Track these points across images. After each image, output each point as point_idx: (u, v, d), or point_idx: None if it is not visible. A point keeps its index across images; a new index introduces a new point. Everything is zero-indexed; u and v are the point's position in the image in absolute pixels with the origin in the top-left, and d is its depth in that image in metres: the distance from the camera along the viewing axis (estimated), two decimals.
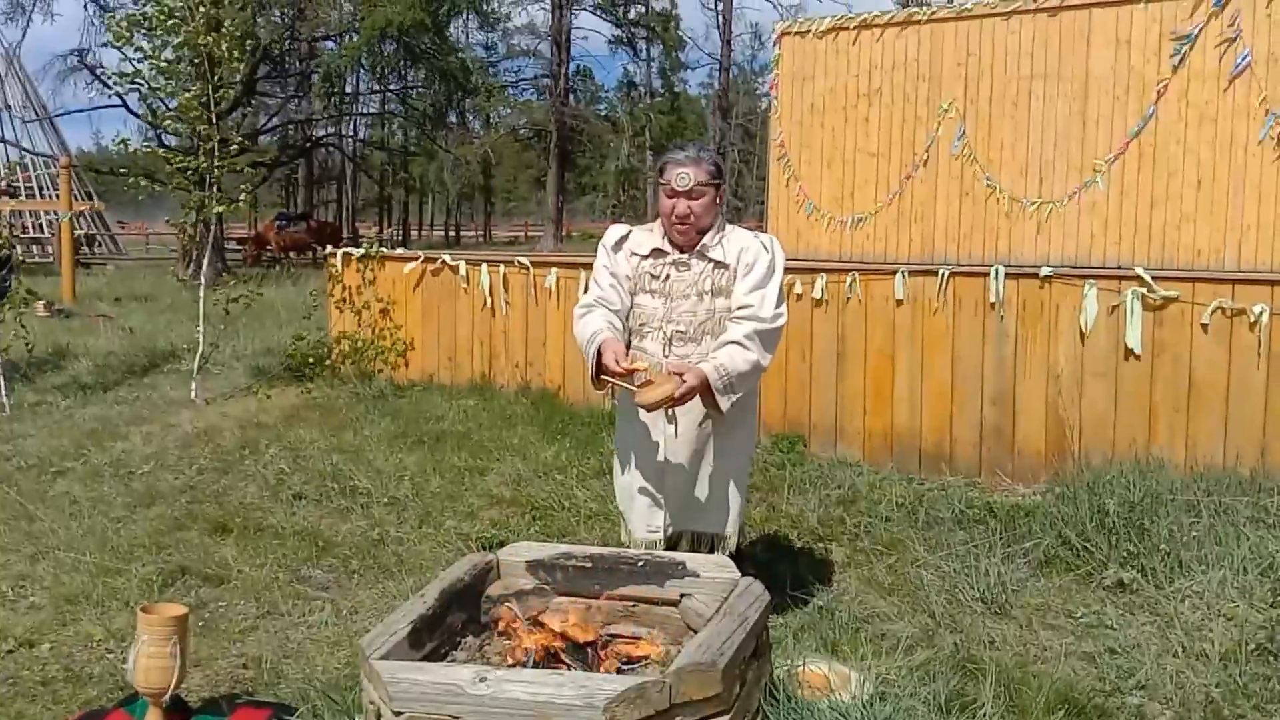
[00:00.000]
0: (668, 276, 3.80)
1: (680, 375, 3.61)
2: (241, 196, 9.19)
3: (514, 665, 2.87)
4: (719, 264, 3.79)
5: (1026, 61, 9.47)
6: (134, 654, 3.36)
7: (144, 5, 8.75)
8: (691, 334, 3.78)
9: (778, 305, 3.79)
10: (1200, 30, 8.64)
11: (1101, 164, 9.07)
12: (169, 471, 6.44)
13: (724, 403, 3.69)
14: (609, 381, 3.70)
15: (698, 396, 3.68)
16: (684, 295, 3.78)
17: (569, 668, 2.88)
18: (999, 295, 6.24)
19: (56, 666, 3.88)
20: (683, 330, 3.78)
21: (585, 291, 4.08)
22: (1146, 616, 4.20)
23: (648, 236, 3.89)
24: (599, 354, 3.66)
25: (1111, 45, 9.06)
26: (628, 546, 3.98)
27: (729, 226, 3.90)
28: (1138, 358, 5.93)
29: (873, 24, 10.33)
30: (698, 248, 3.80)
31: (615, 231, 3.97)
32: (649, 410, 3.70)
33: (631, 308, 3.89)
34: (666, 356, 3.78)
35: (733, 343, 3.71)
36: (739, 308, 3.76)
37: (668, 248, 3.83)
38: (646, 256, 3.84)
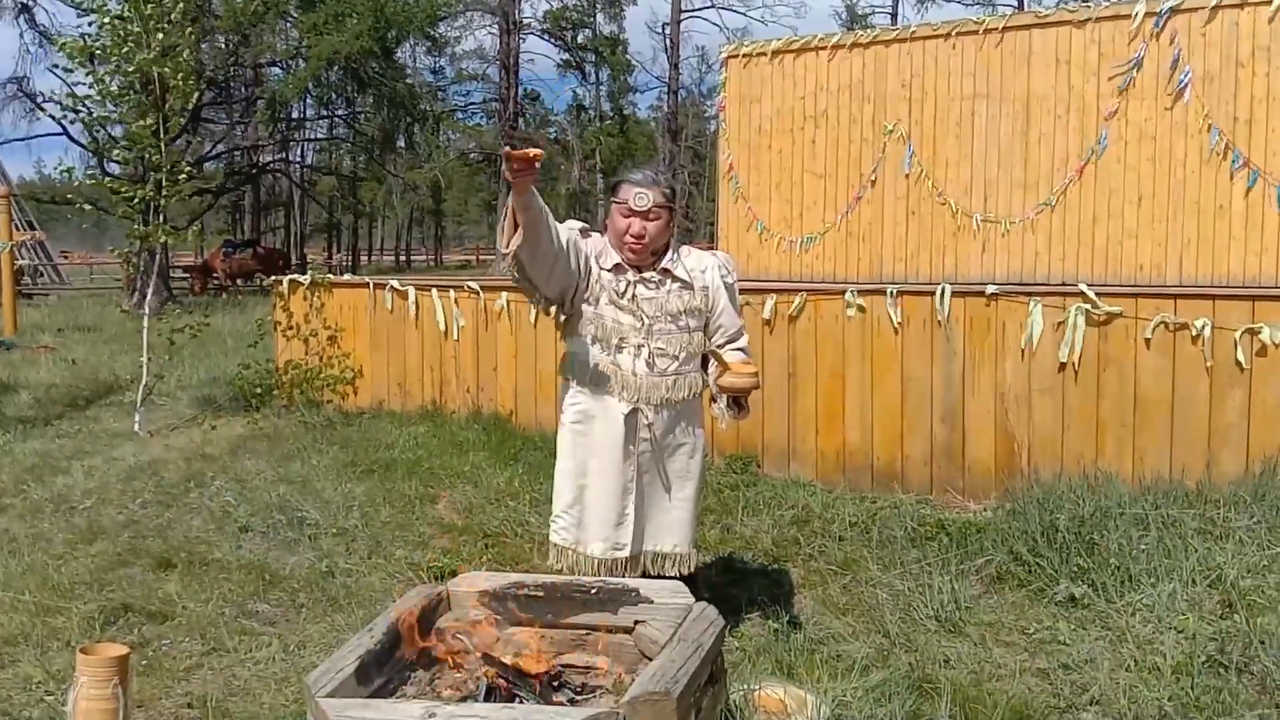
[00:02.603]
0: (634, 295, 3.76)
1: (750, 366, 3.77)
2: (191, 229, 9.09)
3: (464, 699, 2.82)
4: (684, 283, 3.80)
5: (969, 82, 9.60)
6: (74, 696, 3.26)
7: (100, 35, 8.60)
8: (673, 352, 3.79)
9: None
10: (1143, 54, 8.79)
11: (1056, 190, 9.19)
12: (111, 506, 6.30)
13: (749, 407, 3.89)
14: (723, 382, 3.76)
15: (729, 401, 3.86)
16: (657, 316, 3.76)
17: (521, 700, 2.83)
18: (945, 313, 6.29)
19: None
20: (663, 348, 3.78)
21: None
22: (1098, 631, 4.23)
23: (606, 248, 3.83)
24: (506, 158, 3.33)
25: (1052, 66, 9.22)
26: (553, 566, 3.94)
27: (678, 243, 3.91)
28: (1084, 373, 5.99)
29: (817, 47, 10.43)
30: (660, 267, 3.79)
31: (578, 224, 3.85)
32: (730, 393, 3.80)
33: (584, 315, 3.78)
34: (650, 371, 3.76)
35: (742, 350, 3.88)
36: (731, 333, 3.88)
37: (625, 266, 3.79)
38: (608, 270, 3.78)
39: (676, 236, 3.91)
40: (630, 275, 3.77)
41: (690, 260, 3.86)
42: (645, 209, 3.66)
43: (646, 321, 3.76)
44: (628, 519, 3.84)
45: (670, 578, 3.76)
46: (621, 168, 4.34)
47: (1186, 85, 8.59)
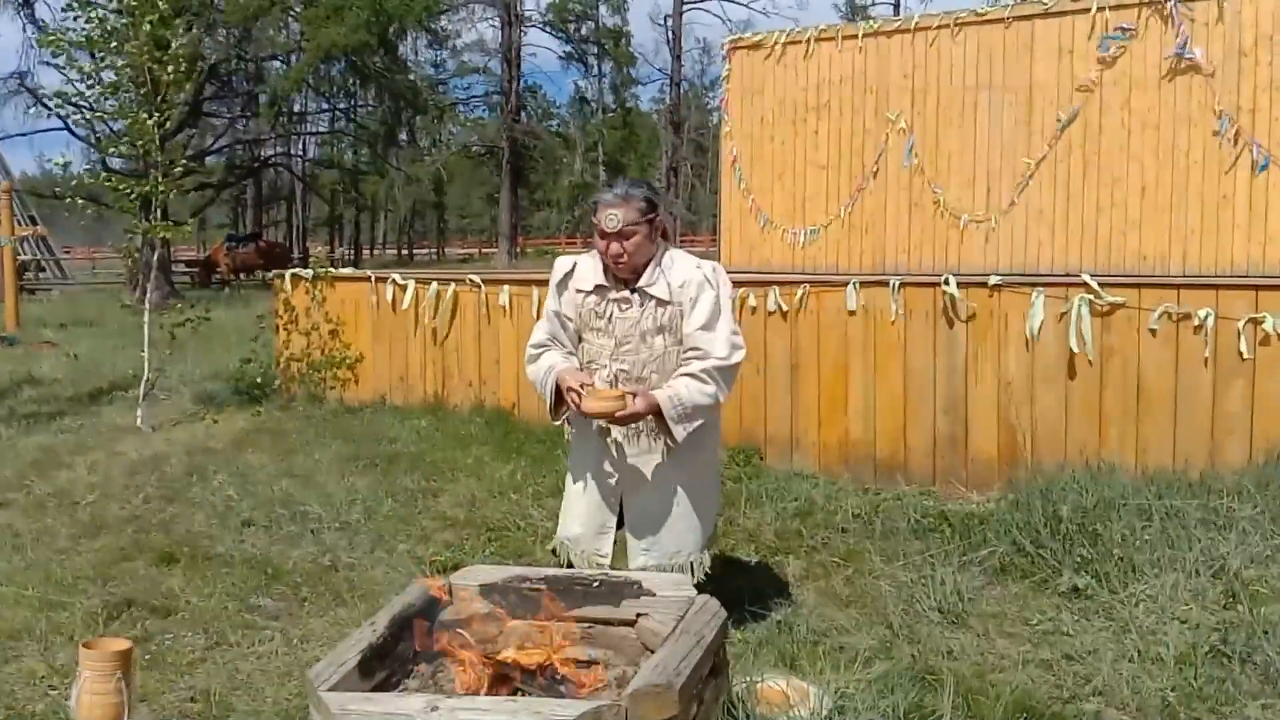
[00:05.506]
0: (611, 315, 3.80)
1: (631, 395, 3.66)
2: (191, 223, 9.09)
3: (467, 693, 2.82)
4: (661, 301, 3.76)
5: (971, 72, 9.58)
6: (77, 691, 3.26)
7: (91, 28, 8.56)
8: (637, 373, 3.78)
9: (732, 340, 3.77)
10: (1139, 30, 8.75)
11: (1030, 162, 9.18)
12: (114, 501, 6.30)
13: (678, 431, 3.71)
14: (568, 404, 3.75)
15: (653, 424, 3.76)
16: (628, 336, 3.78)
17: (523, 693, 2.83)
18: (950, 304, 6.27)
19: None
20: (627, 370, 3.80)
21: (536, 309, 4.10)
22: (1101, 622, 4.22)
23: (592, 268, 3.86)
24: (558, 383, 3.75)
25: (1054, 55, 9.18)
26: (562, 560, 4.02)
27: (671, 254, 3.86)
28: (1088, 364, 5.98)
29: (820, 38, 10.40)
30: (638, 286, 3.78)
31: (561, 267, 3.97)
32: (587, 417, 3.76)
33: (581, 343, 3.90)
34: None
35: (689, 375, 3.72)
36: (690, 349, 3.75)
37: (609, 282, 3.81)
38: (590, 293, 3.83)
39: (662, 247, 3.84)
40: (612, 294, 3.80)
41: (674, 274, 3.79)
42: (616, 229, 3.68)
43: (616, 342, 3.79)
44: (609, 531, 3.93)
45: None
46: (602, 185, 4.34)
47: (1190, 72, 8.55)
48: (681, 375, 3.73)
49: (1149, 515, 4.95)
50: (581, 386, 3.68)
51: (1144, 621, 4.14)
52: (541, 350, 3.91)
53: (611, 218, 3.68)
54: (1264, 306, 5.65)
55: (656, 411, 3.69)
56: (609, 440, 3.86)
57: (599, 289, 3.82)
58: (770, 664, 3.78)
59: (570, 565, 3.95)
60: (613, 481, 3.90)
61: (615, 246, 3.71)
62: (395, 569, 5.09)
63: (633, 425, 3.78)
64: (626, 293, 3.79)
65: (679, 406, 3.68)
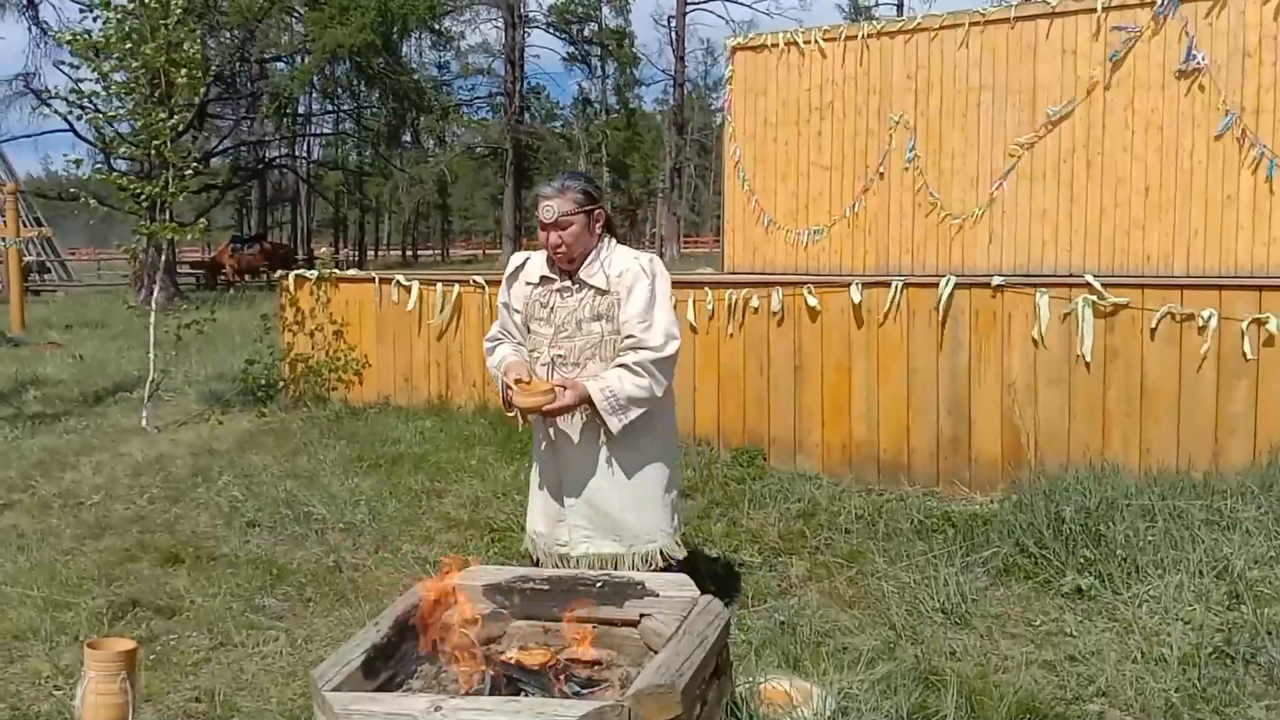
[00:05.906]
0: (553, 305, 3.88)
1: (561, 388, 3.71)
2: (197, 224, 9.12)
3: (470, 693, 2.83)
4: (600, 290, 3.82)
5: (975, 73, 9.57)
6: (82, 691, 3.28)
7: (107, 30, 8.57)
8: (573, 359, 3.83)
9: (668, 330, 3.80)
10: (1143, 30, 8.75)
11: (1017, 147, 9.18)
12: (119, 502, 6.32)
13: (613, 423, 3.73)
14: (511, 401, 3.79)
15: (592, 415, 3.78)
16: (565, 323, 3.85)
17: (527, 694, 2.83)
18: (948, 305, 6.27)
19: (2, 706, 3.78)
20: (563, 355, 3.84)
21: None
22: (1105, 622, 4.22)
23: (540, 262, 3.96)
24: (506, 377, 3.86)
25: (1058, 55, 9.18)
26: (532, 556, 4.07)
27: (612, 247, 3.90)
28: (1089, 365, 5.98)
29: (823, 38, 10.39)
30: (577, 275, 3.85)
31: (514, 261, 4.08)
32: (522, 413, 3.82)
33: (529, 334, 3.98)
34: (549, 379, 3.85)
35: (623, 366, 3.75)
36: (626, 338, 3.79)
37: (554, 274, 3.90)
38: (537, 285, 3.93)
39: (605, 239, 3.90)
40: (553, 285, 3.90)
41: (613, 265, 3.86)
42: (552, 220, 3.76)
43: (555, 329, 3.87)
44: (565, 520, 3.94)
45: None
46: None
47: (1197, 73, 8.54)
48: (615, 366, 3.76)
49: (1152, 516, 4.95)
50: (516, 383, 3.73)
51: (1148, 622, 4.15)
52: (495, 344, 4.04)
53: (548, 209, 3.77)
54: (1267, 307, 5.65)
55: (590, 402, 3.72)
56: (553, 431, 3.91)
57: (544, 280, 3.92)
58: (773, 665, 3.78)
59: (537, 562, 4.00)
60: (559, 472, 3.94)
61: (553, 237, 3.79)
62: (399, 569, 5.09)
63: (575, 416, 3.81)
64: (568, 282, 3.87)
65: (611, 398, 3.70)
